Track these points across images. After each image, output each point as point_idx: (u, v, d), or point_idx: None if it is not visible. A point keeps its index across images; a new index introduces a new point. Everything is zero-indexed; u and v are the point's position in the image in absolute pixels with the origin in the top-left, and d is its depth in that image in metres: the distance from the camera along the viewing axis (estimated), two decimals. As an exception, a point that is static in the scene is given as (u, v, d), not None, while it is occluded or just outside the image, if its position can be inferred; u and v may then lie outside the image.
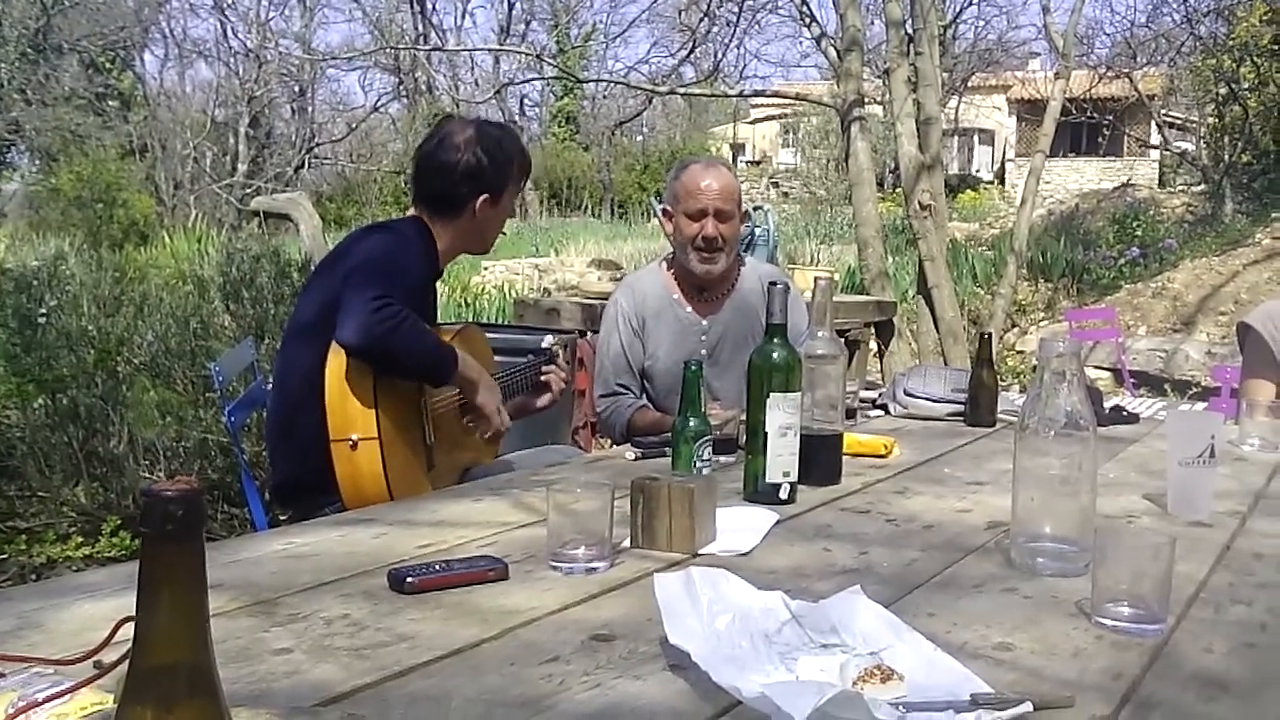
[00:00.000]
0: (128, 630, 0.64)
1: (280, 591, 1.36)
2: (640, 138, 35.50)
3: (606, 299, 3.23)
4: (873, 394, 3.15)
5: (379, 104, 34.54)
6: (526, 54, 18.00)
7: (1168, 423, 1.99)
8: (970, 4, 24.37)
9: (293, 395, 2.33)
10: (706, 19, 16.30)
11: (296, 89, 33.29)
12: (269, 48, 31.39)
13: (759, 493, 1.89)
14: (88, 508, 4.32)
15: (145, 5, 29.42)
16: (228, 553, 1.56)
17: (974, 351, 2.96)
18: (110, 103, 27.33)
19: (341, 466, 2.15)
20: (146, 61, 35.16)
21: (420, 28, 31.98)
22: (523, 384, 2.69)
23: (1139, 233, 12.54)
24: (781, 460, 1.88)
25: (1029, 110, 25.93)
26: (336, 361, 2.16)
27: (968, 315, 10.15)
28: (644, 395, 2.94)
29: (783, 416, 1.87)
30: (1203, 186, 16.59)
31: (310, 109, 33.61)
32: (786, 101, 23.49)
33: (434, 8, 33.59)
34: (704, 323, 2.92)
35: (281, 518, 2.41)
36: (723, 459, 2.15)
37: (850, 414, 2.58)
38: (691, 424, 1.98)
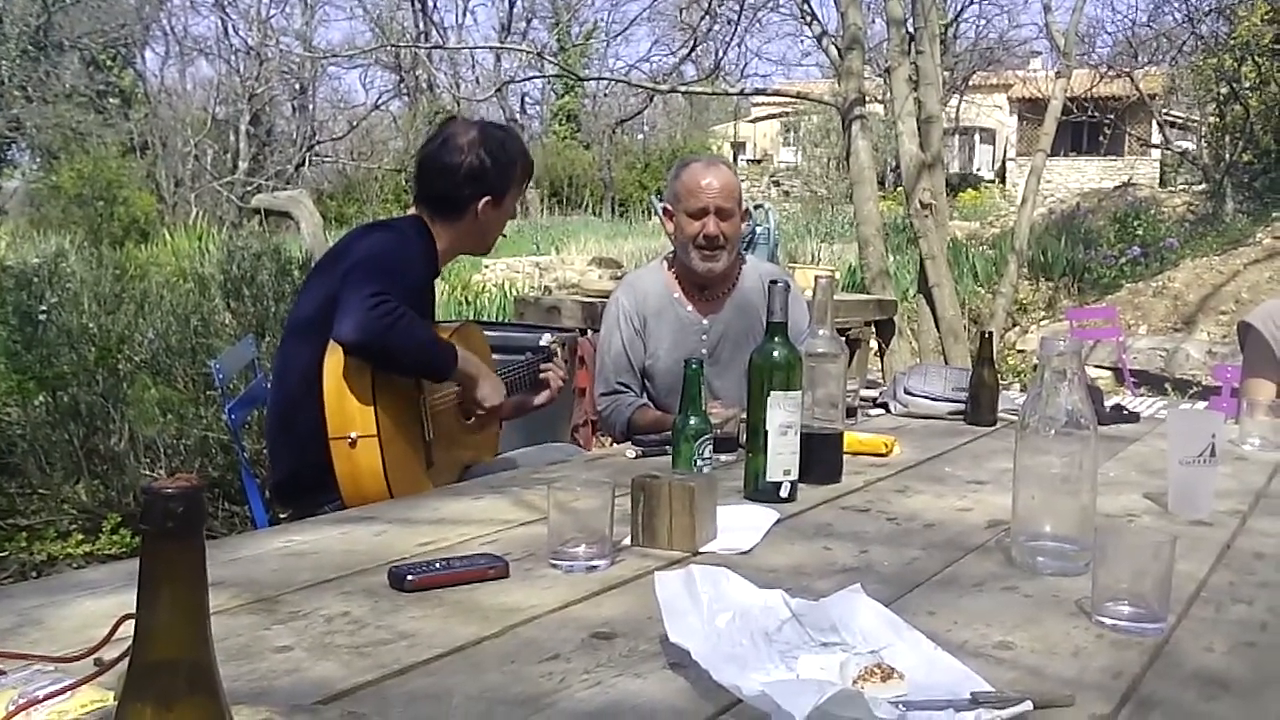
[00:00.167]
0: (128, 627, 0.64)
1: (281, 589, 1.36)
2: (641, 136, 35.52)
3: (607, 297, 3.23)
4: (873, 393, 3.15)
5: (380, 102, 34.61)
6: (527, 52, 18.04)
7: (1168, 422, 1.99)
8: (971, 2, 24.46)
9: (292, 392, 2.33)
10: (708, 17, 16.32)
11: (297, 87, 33.30)
12: (270, 45, 31.41)
13: (759, 491, 1.89)
14: (88, 505, 4.32)
15: (146, 2, 29.44)
16: (228, 550, 1.56)
17: (975, 350, 2.96)
18: (111, 100, 27.34)
19: (341, 464, 2.15)
20: (147, 59, 35.18)
21: (421, 26, 32.00)
22: (521, 382, 2.69)
23: (1140, 232, 12.54)
24: (782, 459, 1.88)
25: (1030, 109, 25.93)
26: (334, 359, 2.16)
27: (968, 314, 10.15)
28: (645, 394, 2.94)
29: (783, 415, 1.87)
30: (1204, 186, 16.58)
31: (311, 107, 33.63)
32: (787, 100, 23.51)
33: (435, 6, 33.60)
34: (705, 322, 2.92)
35: (282, 516, 2.42)
36: (723, 457, 2.15)
37: (851, 413, 2.58)
38: (692, 422, 1.98)
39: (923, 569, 1.51)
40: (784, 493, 1.88)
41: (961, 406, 2.85)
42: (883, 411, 2.98)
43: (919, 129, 8.20)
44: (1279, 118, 15.31)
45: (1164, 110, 21.91)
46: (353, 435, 2.15)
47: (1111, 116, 22.40)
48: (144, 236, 17.65)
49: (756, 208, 5.58)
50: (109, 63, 27.61)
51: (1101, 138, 25.53)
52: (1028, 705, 1.01)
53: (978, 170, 29.54)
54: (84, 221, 17.68)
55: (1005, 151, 29.28)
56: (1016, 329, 10.57)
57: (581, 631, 1.22)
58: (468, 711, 1.02)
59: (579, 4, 34.30)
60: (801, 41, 34.20)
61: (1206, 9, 16.74)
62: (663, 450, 2.21)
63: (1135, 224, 12.78)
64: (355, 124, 32.51)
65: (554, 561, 1.47)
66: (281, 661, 1.12)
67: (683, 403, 2.00)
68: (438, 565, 1.40)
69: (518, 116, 32.84)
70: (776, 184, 27.61)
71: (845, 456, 2.12)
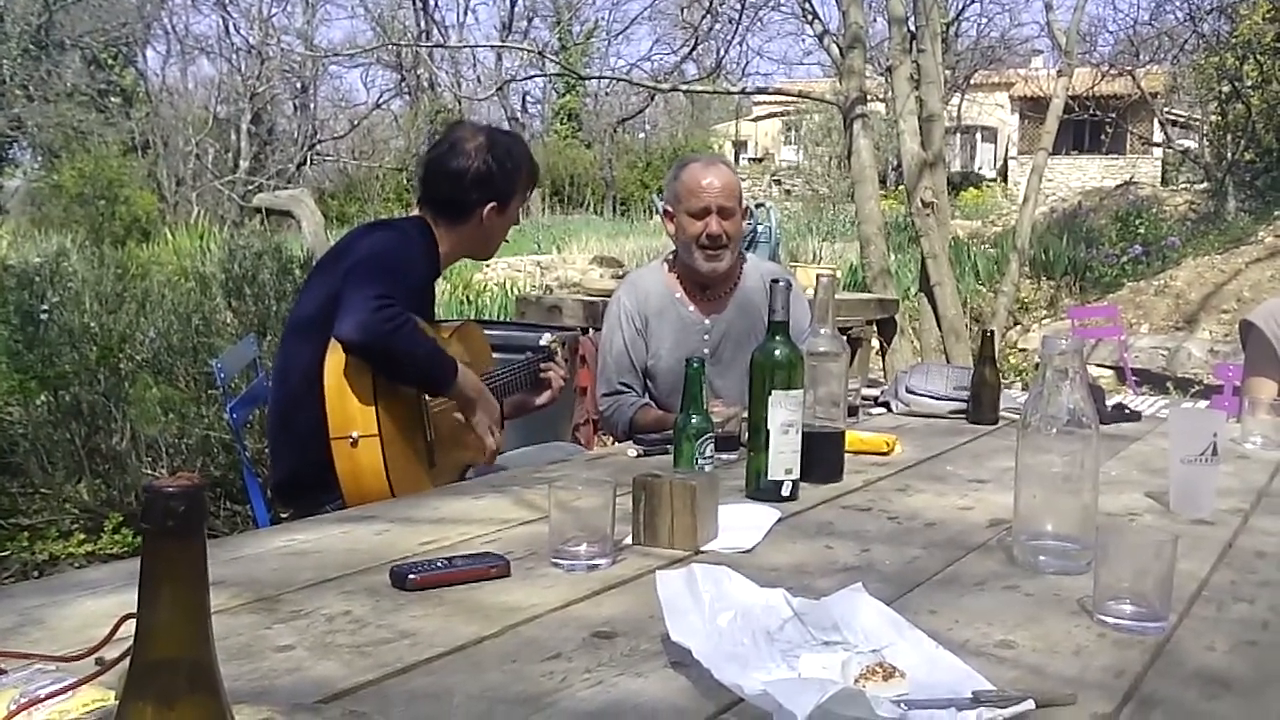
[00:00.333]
0: (130, 627, 0.64)
1: (282, 588, 1.36)
2: (642, 135, 35.49)
3: (608, 296, 3.23)
4: (875, 391, 3.15)
5: (381, 101, 34.59)
6: (529, 51, 18.04)
7: (1170, 420, 1.99)
8: (973, 1, 24.39)
9: (293, 391, 2.34)
10: (709, 16, 16.32)
11: (299, 85, 33.29)
12: (271, 44, 31.41)
13: (761, 490, 1.89)
14: (90, 504, 4.33)
15: (147, 1, 29.42)
16: (229, 549, 1.56)
17: (976, 349, 2.96)
18: (112, 99, 27.33)
19: (342, 464, 2.15)
20: (149, 58, 35.17)
21: (422, 24, 32.01)
22: (522, 381, 2.69)
23: (1141, 230, 12.53)
24: (783, 458, 1.88)
25: (1031, 108, 25.92)
26: (335, 359, 2.16)
27: (970, 313, 10.15)
28: (646, 394, 2.94)
29: (785, 414, 1.87)
30: (1205, 184, 16.57)
31: (312, 106, 33.62)
32: (789, 99, 23.50)
33: (436, 4, 33.64)
34: (706, 321, 2.92)
35: (283, 515, 2.42)
36: (725, 456, 2.15)
37: (852, 411, 2.58)
38: (693, 421, 1.98)
39: (924, 568, 1.51)
40: (785, 491, 1.88)
41: (963, 405, 2.85)
42: (884, 410, 2.98)
43: (921, 127, 8.20)
44: (1281, 116, 15.29)
45: (1166, 109, 21.90)
46: (354, 435, 2.15)
47: (1113, 115, 22.38)
48: (145, 235, 17.65)
49: (758, 206, 5.58)
50: (110, 61, 27.61)
51: (1103, 136, 25.51)
52: (1029, 704, 1.01)
53: (979, 169, 29.53)
54: (85, 220, 17.68)
55: (1007, 150, 29.28)
56: (1018, 328, 10.57)
57: (583, 630, 1.22)
58: (469, 710, 1.02)
59: (580, 3, 34.34)
60: (803, 40, 34.23)
61: (1208, 8, 16.74)
62: (664, 449, 2.21)
63: (1137, 223, 12.77)
64: (356, 123, 32.51)
65: (555, 560, 1.47)
66: (283, 660, 1.12)
67: (684, 401, 2.00)
68: (439, 564, 1.40)
69: (519, 115, 32.87)
70: (778, 183, 27.60)
71: (847, 455, 2.12)
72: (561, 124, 33.46)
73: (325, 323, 2.18)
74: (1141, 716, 1.04)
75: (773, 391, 1.87)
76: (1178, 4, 18.04)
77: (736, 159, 30.85)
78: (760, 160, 31.74)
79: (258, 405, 3.11)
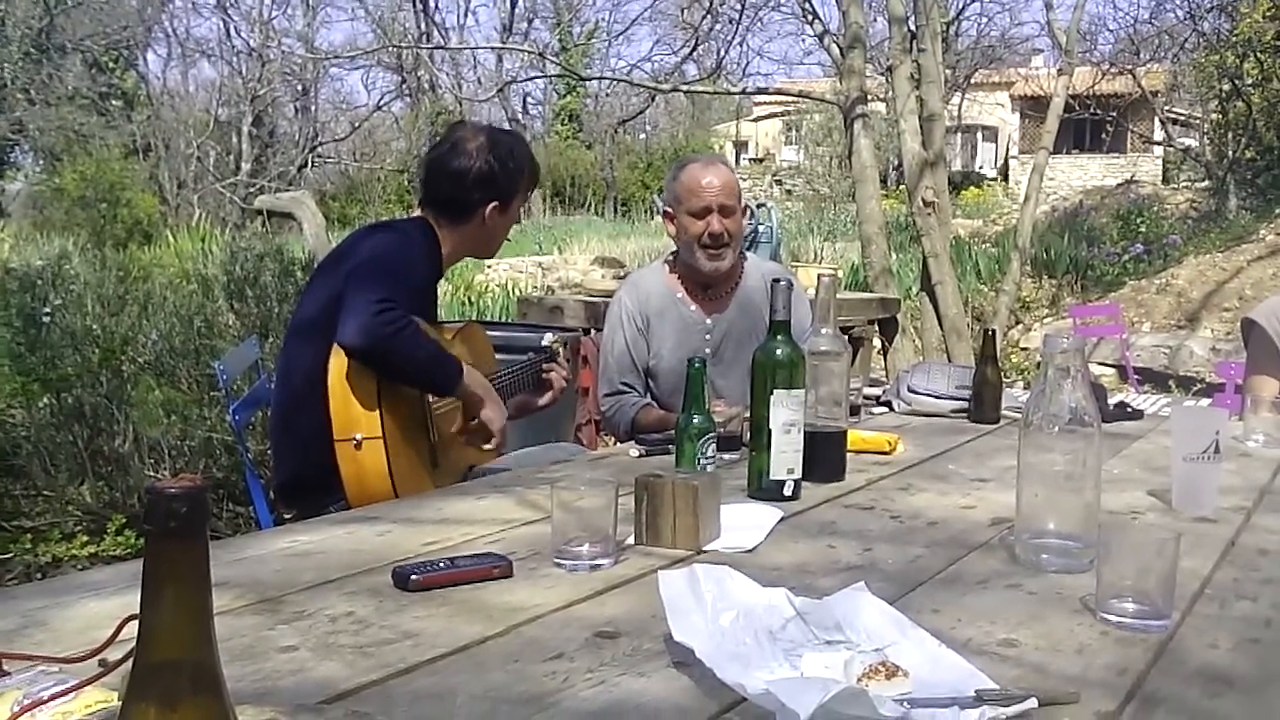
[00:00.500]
0: (132, 628, 0.64)
1: (285, 589, 1.36)
2: (643, 136, 35.49)
3: (610, 297, 3.23)
4: (877, 391, 3.15)
5: (382, 103, 34.58)
6: (529, 52, 18.04)
7: (1172, 419, 1.99)
8: (973, 0, 24.36)
9: (296, 392, 2.34)
10: (709, 16, 16.31)
11: (299, 88, 33.30)
12: (272, 47, 31.43)
13: (763, 489, 1.89)
14: (93, 506, 4.33)
15: (148, 5, 29.44)
16: (232, 551, 1.56)
17: (978, 348, 2.96)
18: (114, 102, 27.34)
19: (346, 466, 2.15)
20: (150, 61, 35.27)
21: (423, 26, 31.99)
22: (524, 382, 2.69)
23: (1143, 229, 12.53)
24: (785, 457, 1.88)
25: (1032, 107, 25.90)
26: (339, 361, 2.16)
27: (971, 312, 10.15)
28: (648, 394, 2.94)
29: (787, 413, 1.87)
30: (1206, 183, 16.57)
31: (313, 108, 33.63)
32: (789, 99, 23.49)
33: (436, 6, 33.69)
34: (708, 321, 2.92)
35: (286, 516, 2.42)
36: (727, 456, 2.15)
37: (854, 411, 2.58)
38: (695, 421, 1.98)
39: (926, 567, 1.51)
40: (787, 491, 1.88)
41: (965, 404, 2.85)
42: (886, 410, 2.98)
43: (921, 127, 8.20)
44: (1282, 114, 15.28)
45: (1166, 107, 21.88)
46: (358, 437, 2.15)
47: (1114, 114, 22.36)
48: (147, 238, 17.64)
49: (759, 206, 5.57)
50: (111, 65, 27.62)
51: (1104, 135, 25.48)
52: (1032, 703, 1.01)
53: (980, 168, 29.52)
54: (87, 223, 17.69)
55: (1008, 149, 29.26)
56: (1020, 327, 10.56)
57: (585, 630, 1.22)
58: (472, 710, 1.02)
59: (580, 4, 34.33)
60: (803, 40, 34.18)
61: (1208, 6, 16.73)
62: (666, 449, 2.21)
63: (1138, 221, 12.76)
64: (357, 125, 32.51)
65: (558, 561, 1.47)
66: (286, 661, 1.13)
67: (686, 401, 2.00)
68: (442, 565, 1.40)
69: (520, 117, 32.86)
70: (779, 183, 27.58)
71: (849, 455, 2.12)
72: (562, 125, 33.46)
73: (327, 325, 2.18)
74: (1144, 715, 1.04)
75: (774, 391, 1.87)
76: (1178, 2, 18.06)
77: (737, 159, 30.85)
78: (761, 160, 31.72)
79: (260, 407, 3.11)
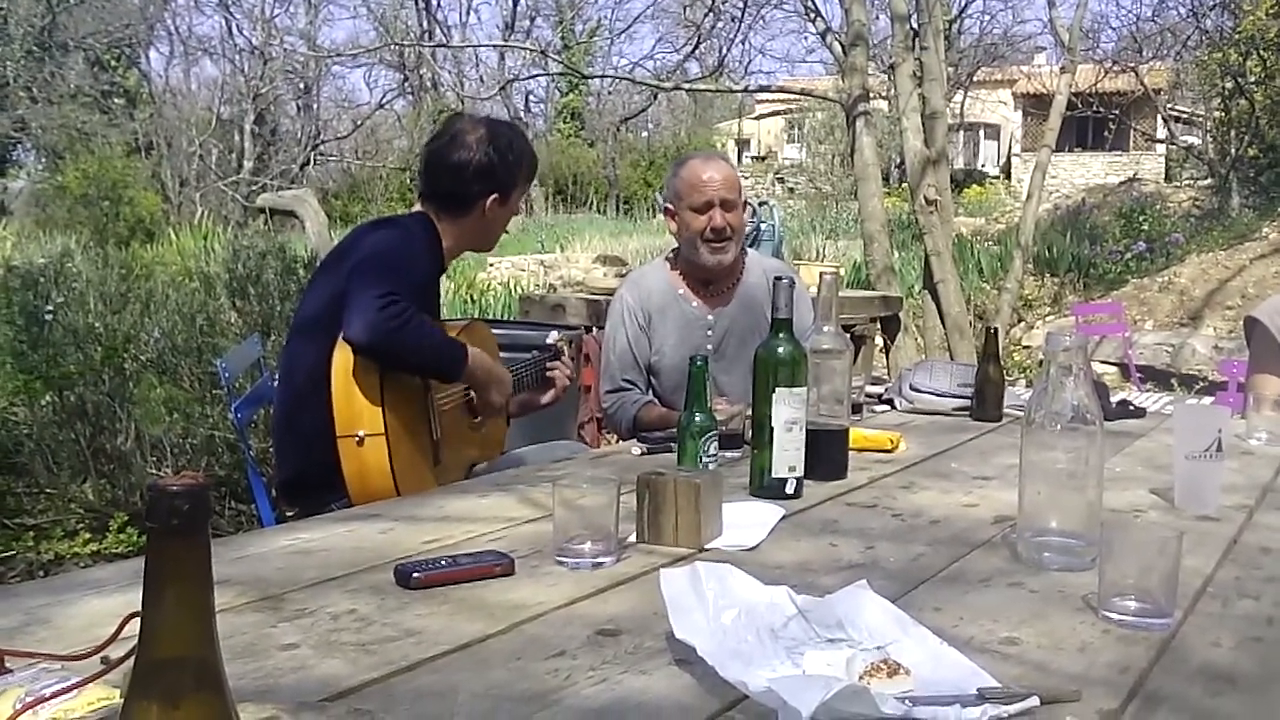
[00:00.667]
0: (135, 626, 0.64)
1: (287, 587, 1.36)
2: (645, 134, 35.48)
3: (612, 294, 3.23)
4: (879, 389, 3.15)
5: (384, 101, 34.61)
6: (531, 50, 18.05)
7: (1174, 417, 1.99)
8: (975, -2, 24.31)
9: (298, 390, 2.34)
10: (711, 14, 16.29)
11: (302, 86, 33.31)
12: (274, 44, 31.44)
13: (765, 488, 1.89)
14: (95, 504, 4.33)
15: (150, 3, 29.45)
16: (234, 548, 1.56)
17: (980, 346, 2.96)
18: (116, 100, 27.34)
19: (348, 463, 2.16)
20: (152, 59, 35.29)
21: (425, 24, 32.01)
22: (528, 380, 2.69)
23: (1145, 227, 12.50)
24: (787, 455, 1.88)
25: (1035, 105, 25.86)
26: (342, 358, 2.16)
27: (974, 310, 10.14)
28: (650, 391, 2.94)
29: (789, 411, 1.87)
30: (1209, 181, 16.53)
31: (316, 106, 33.64)
32: (792, 97, 23.46)
33: (439, 4, 33.70)
34: (709, 317, 2.92)
35: (288, 514, 2.42)
36: (729, 454, 2.15)
37: (856, 409, 2.58)
38: (697, 419, 1.98)
39: (929, 565, 1.51)
40: (789, 489, 1.88)
41: (967, 402, 2.85)
42: (888, 408, 2.98)
43: (924, 125, 8.19)
44: (1285, 112, 15.24)
45: (1169, 105, 21.84)
46: (361, 434, 2.15)
47: (1116, 112, 22.33)
48: (149, 236, 17.65)
49: (761, 204, 5.58)
50: (113, 63, 27.63)
51: (1106, 133, 25.47)
52: (1034, 701, 1.01)
53: (983, 166, 29.50)
54: (89, 221, 17.68)
55: (1010, 147, 29.23)
56: (1022, 325, 10.56)
57: (587, 628, 1.22)
58: (474, 708, 1.02)
59: (583, 2, 34.32)
60: (805, 38, 34.18)
61: (1211, 3, 16.69)
62: (668, 447, 2.21)
63: (1141, 219, 12.74)
64: (360, 123, 32.51)
65: (559, 558, 1.47)
66: (287, 659, 1.13)
67: (688, 399, 2.00)
68: (444, 562, 1.40)
69: (522, 114, 32.85)
70: (781, 181, 27.57)
71: (851, 453, 2.11)
72: (565, 123, 33.46)
73: (330, 322, 2.18)
74: (1146, 713, 1.04)
75: (777, 389, 1.87)
76: (1180, 0, 18.01)
77: (739, 157, 30.84)
78: (763, 158, 31.71)
79: (262, 405, 3.11)
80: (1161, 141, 23.70)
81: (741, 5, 15.19)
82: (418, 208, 2.52)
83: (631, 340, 2.92)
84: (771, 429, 1.87)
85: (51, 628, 1.21)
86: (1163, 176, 22.38)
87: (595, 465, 2.30)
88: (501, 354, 2.69)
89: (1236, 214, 13.49)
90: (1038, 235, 11.51)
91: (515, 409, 2.62)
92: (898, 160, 17.72)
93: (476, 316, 7.64)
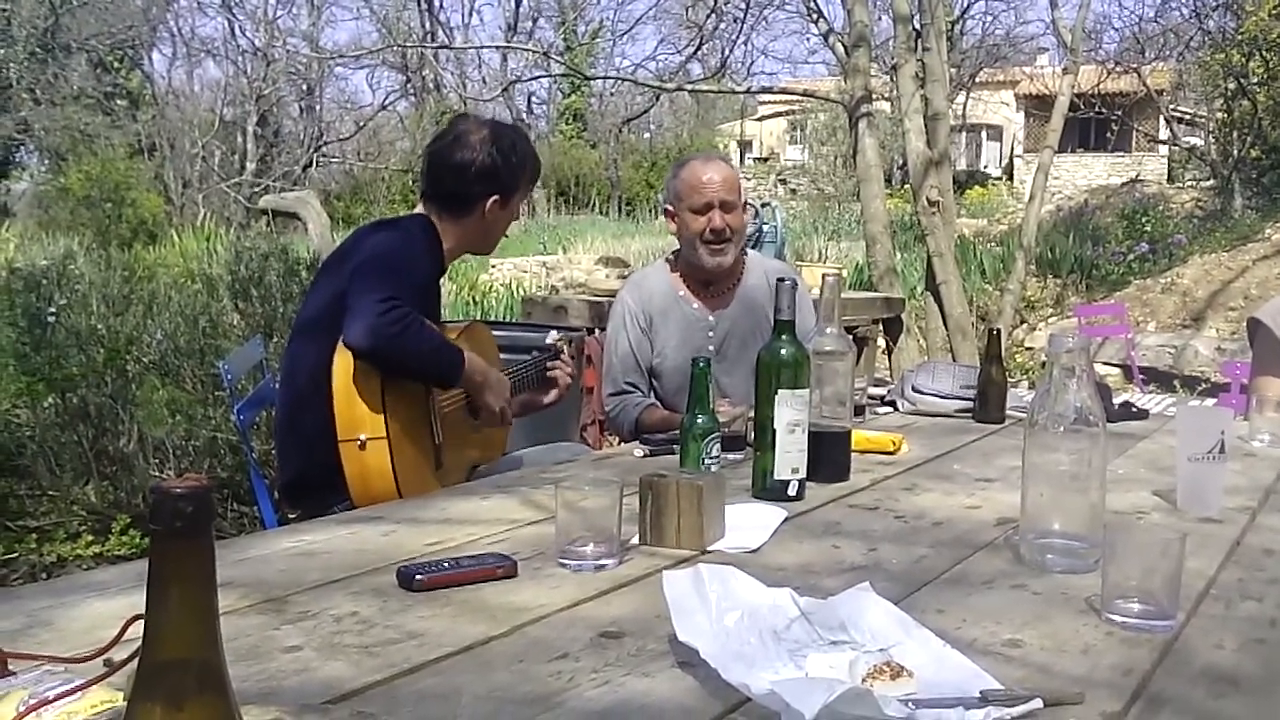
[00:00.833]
0: (138, 628, 0.64)
1: (290, 589, 1.36)
2: (648, 135, 35.49)
3: (614, 296, 3.23)
4: (881, 390, 3.14)
5: (387, 102, 34.62)
6: (534, 51, 18.03)
7: (1177, 418, 1.99)
8: (978, -1, 24.30)
9: (300, 392, 2.34)
10: (714, 15, 16.27)
11: (304, 87, 33.33)
12: (277, 46, 31.43)
13: (767, 489, 1.88)
14: (97, 506, 4.34)
15: (153, 4, 29.47)
16: (237, 551, 1.56)
17: (983, 348, 2.96)
18: (118, 102, 27.36)
19: (350, 466, 2.16)
20: (154, 60, 35.24)
21: (428, 26, 32.04)
22: (529, 380, 2.69)
23: (1148, 228, 12.49)
24: (790, 457, 1.88)
25: (1037, 106, 25.85)
26: (344, 361, 2.16)
27: (976, 311, 10.13)
28: (652, 393, 2.94)
29: (791, 413, 1.87)
30: (1212, 182, 16.53)
31: (318, 107, 33.67)
32: (794, 98, 23.48)
33: (441, 6, 33.74)
34: (711, 318, 2.92)
35: (290, 516, 2.42)
36: (731, 456, 2.15)
37: (859, 411, 2.58)
38: (699, 421, 1.98)
39: (931, 567, 1.51)
40: (792, 491, 1.88)
41: (969, 404, 2.85)
42: (890, 409, 2.98)
43: (926, 126, 8.19)
44: (1287, 113, 15.23)
45: (1171, 106, 21.83)
46: (362, 437, 2.15)
47: (1119, 113, 22.31)
48: (152, 238, 17.66)
49: (763, 206, 5.58)
50: (116, 64, 27.63)
51: (1109, 134, 25.43)
52: (1037, 703, 1.01)
53: (985, 167, 29.50)
54: (92, 223, 17.71)
55: (1012, 148, 29.22)
56: (1024, 326, 10.55)
57: (590, 631, 1.22)
58: (476, 710, 1.02)
59: (585, 3, 34.35)
60: (808, 39, 34.25)
61: (1214, 4, 16.67)
62: (670, 449, 2.21)
63: (1143, 220, 12.73)
64: (362, 124, 32.53)
65: (562, 561, 1.47)
66: (290, 661, 1.13)
67: (690, 401, 1.99)
68: (446, 565, 1.40)
69: (524, 116, 32.86)
70: (783, 182, 27.58)
71: (853, 454, 2.11)
72: (567, 124, 33.47)
73: (331, 324, 2.18)
74: (1150, 715, 1.04)
75: (779, 391, 1.86)
76: (1183, 1, 18.00)
77: (742, 159, 30.85)
78: (765, 160, 31.72)
79: (265, 407, 3.11)
80: (1164, 142, 23.68)
81: (744, 6, 15.18)
82: (419, 209, 2.52)
83: (633, 343, 2.92)
84: (774, 431, 1.87)
85: (54, 630, 1.21)
86: (1165, 178, 22.37)
87: (597, 467, 2.30)
88: (502, 355, 2.69)
89: (1239, 215, 13.49)
90: (1040, 236, 11.50)
91: (517, 409, 2.62)
92: (900, 161, 17.70)
93: (478, 318, 7.64)
